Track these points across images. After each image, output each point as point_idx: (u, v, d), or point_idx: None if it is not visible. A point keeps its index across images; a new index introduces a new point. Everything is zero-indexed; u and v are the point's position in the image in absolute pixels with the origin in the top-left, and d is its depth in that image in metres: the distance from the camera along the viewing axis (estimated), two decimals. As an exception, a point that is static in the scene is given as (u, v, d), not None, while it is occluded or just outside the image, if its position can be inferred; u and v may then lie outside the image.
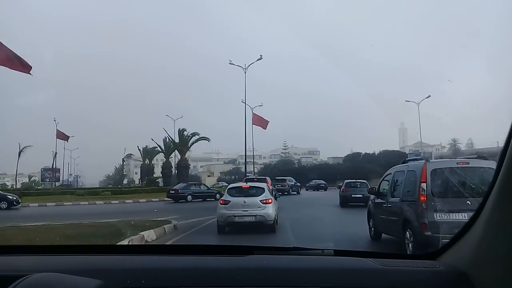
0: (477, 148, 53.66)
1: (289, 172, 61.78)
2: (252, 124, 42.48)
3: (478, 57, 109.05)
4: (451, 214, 7.85)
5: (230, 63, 43.56)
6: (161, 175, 56.00)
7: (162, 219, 14.52)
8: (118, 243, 8.58)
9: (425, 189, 8.07)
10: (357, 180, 23.89)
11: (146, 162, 62.74)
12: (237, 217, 11.69)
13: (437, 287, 1.42)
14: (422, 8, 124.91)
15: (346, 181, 24.36)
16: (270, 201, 12.09)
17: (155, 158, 62.81)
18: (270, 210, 11.81)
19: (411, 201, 8.51)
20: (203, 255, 1.74)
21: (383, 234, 10.30)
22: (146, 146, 60.92)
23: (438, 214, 7.89)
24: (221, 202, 12.35)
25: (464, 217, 7.73)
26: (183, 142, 49.01)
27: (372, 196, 11.15)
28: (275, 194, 13.78)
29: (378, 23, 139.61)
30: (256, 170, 59.21)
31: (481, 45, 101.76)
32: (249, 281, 1.46)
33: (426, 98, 51.38)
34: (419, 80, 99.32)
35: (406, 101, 53.66)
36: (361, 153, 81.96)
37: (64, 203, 30.42)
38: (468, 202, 7.76)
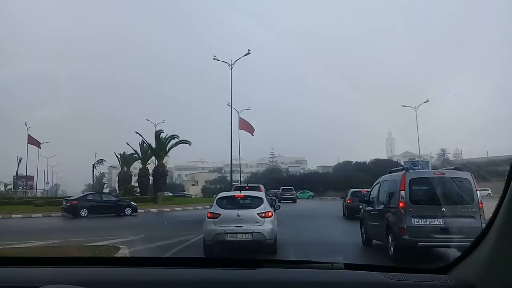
0: (467, 158, 55.04)
1: (278, 181, 62.71)
2: (239, 129, 42.04)
3: (472, 71, 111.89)
4: (427, 219, 9.11)
5: (214, 59, 41.08)
6: (137, 183, 54.19)
7: (108, 243, 11.58)
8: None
9: (404, 196, 9.30)
10: (364, 189, 22.19)
11: (124, 169, 61.90)
12: (228, 235, 10.11)
13: None
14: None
15: (351, 190, 23.67)
16: (270, 214, 10.51)
17: (134, 166, 61.27)
18: (270, 226, 10.32)
19: (392, 207, 9.77)
20: (212, 267, 1.84)
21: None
22: (124, 152, 60.10)
23: (415, 220, 9.11)
24: (208, 215, 10.61)
25: (439, 222, 8.98)
26: (161, 146, 46.04)
27: (364, 205, 12.41)
28: (274, 205, 12.14)
29: (377, 32, 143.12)
30: (242, 179, 59.67)
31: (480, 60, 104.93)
32: None
33: (424, 102, 50.42)
34: (415, 88, 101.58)
35: (402, 106, 52.39)
36: (352, 161, 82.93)
37: (12, 215, 26.95)
38: (443, 209, 9.00)
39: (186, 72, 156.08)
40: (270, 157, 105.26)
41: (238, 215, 10.34)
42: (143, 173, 51.69)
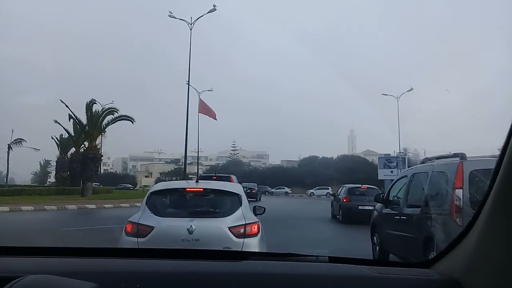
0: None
1: (240, 175, 60.18)
2: (199, 112, 36.03)
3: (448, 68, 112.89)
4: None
5: (170, 16, 34.19)
6: (68, 171, 46.87)
7: None
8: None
9: (461, 198, 6.53)
10: (363, 185, 19.61)
11: (62, 155, 55.21)
12: None
13: None
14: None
15: (347, 186, 20.06)
16: (255, 229, 5.72)
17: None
18: None
19: (438, 213, 7.06)
20: (198, 259, 1.88)
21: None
22: (62, 135, 52.22)
23: None
24: (128, 229, 5.66)
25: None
26: (93, 122, 36.47)
27: (378, 205, 9.74)
28: (255, 207, 6.81)
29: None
30: (201, 172, 56.23)
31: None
32: (244, 286, 1.57)
33: (408, 91, 46.25)
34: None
35: (383, 94, 48.90)
36: (318, 156, 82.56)
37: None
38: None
39: (146, 54, 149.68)
40: (232, 150, 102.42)
41: (190, 231, 5.43)
42: (75, 158, 42.60)
